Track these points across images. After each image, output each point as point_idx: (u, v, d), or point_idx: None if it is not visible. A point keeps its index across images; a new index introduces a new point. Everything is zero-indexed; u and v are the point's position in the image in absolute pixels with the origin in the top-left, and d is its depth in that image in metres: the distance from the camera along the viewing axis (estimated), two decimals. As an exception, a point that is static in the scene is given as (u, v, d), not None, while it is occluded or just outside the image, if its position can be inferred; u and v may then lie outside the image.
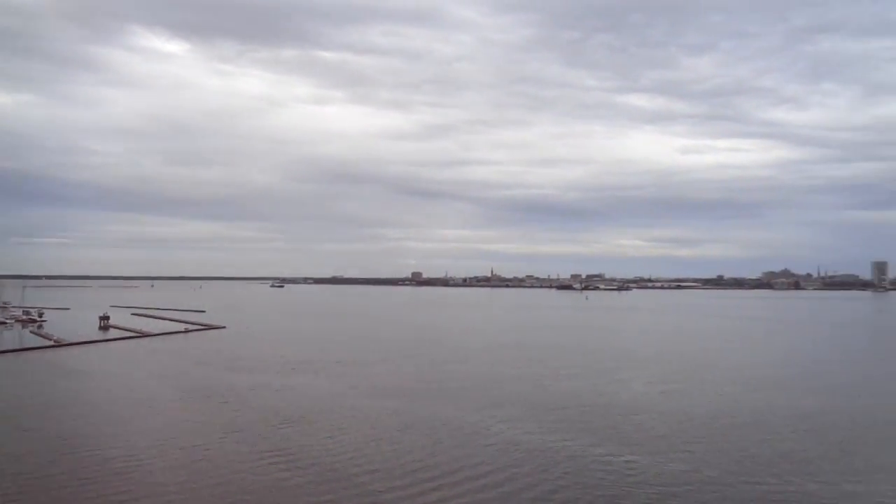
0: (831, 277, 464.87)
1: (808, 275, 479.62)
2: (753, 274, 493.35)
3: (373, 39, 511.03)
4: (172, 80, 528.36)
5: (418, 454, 25.61)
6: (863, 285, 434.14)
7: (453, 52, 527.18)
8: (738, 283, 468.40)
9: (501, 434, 28.71)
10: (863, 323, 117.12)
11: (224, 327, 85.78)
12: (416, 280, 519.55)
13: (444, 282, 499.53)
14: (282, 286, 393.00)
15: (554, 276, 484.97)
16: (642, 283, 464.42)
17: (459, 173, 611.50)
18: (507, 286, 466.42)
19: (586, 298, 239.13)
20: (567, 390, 39.79)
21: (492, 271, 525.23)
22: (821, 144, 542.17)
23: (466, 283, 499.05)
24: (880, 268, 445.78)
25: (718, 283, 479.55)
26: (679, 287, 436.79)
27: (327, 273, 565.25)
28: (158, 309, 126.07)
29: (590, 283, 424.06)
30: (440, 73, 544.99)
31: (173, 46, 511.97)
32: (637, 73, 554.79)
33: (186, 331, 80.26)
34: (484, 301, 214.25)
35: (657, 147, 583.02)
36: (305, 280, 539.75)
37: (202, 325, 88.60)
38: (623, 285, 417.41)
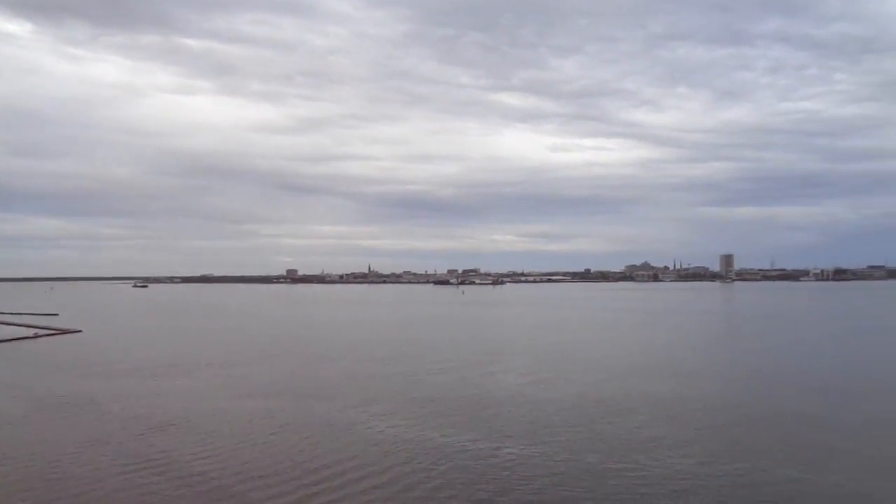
0: (685, 270, 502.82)
1: (666, 267, 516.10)
2: (618, 267, 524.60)
3: (240, 28, 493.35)
4: (15, 63, 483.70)
5: (296, 456, 25.09)
6: (712, 276, 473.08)
7: (327, 44, 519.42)
8: (604, 276, 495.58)
9: (380, 431, 28.75)
10: (711, 312, 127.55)
11: (80, 331, 79.56)
12: (292, 277, 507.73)
13: (321, 279, 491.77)
14: (145, 286, 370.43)
15: (431, 272, 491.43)
16: (516, 278, 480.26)
17: (335, 168, 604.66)
18: (385, 282, 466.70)
19: (462, 293, 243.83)
20: (442, 384, 40.44)
21: (369, 267, 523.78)
22: (676, 145, 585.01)
23: (343, 279, 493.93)
24: (727, 260, 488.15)
25: (586, 276, 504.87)
26: (550, 280, 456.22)
27: (196, 271, 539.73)
28: (1, 313, 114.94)
29: (466, 277, 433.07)
30: (314, 66, 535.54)
31: (14, 27, 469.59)
32: (509, 73, 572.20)
33: (36, 336, 73.69)
34: (361, 297, 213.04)
35: (529, 145, 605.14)
36: (172, 279, 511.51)
37: (55, 329, 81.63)
38: (498, 279, 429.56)
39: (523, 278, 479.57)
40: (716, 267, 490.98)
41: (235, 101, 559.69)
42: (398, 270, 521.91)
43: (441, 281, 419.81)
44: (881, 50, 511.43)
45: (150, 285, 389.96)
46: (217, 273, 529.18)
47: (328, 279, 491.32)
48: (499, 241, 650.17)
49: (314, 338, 72.85)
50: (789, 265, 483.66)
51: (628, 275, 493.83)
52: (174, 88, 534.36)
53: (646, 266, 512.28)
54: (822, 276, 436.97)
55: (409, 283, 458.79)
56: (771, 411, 32.22)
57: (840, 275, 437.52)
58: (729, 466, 23.19)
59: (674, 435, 27.70)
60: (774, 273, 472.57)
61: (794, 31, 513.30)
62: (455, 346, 62.71)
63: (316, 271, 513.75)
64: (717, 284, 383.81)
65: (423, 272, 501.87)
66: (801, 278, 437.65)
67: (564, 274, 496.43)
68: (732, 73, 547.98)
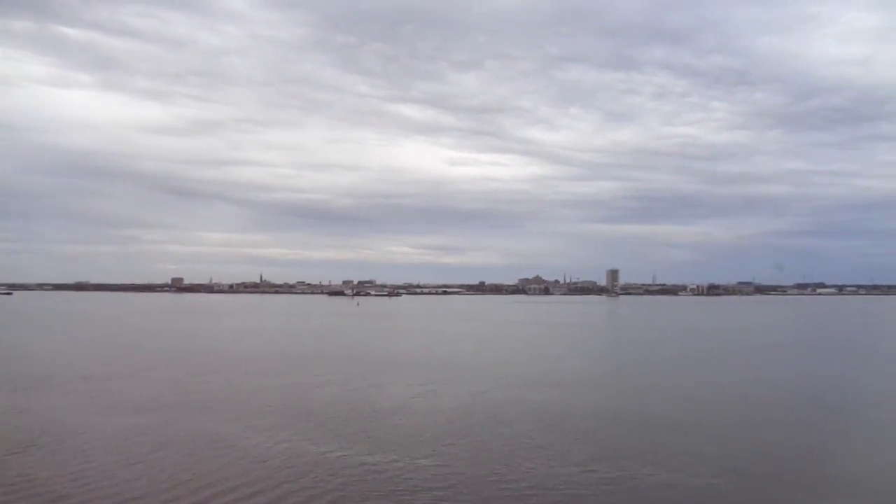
0: (575, 283, 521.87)
1: (557, 281, 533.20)
2: (511, 280, 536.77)
3: (126, 20, 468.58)
4: None
5: (178, 475, 24.16)
6: (599, 290, 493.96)
7: (221, 43, 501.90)
8: (498, 289, 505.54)
9: (267, 446, 28.21)
10: (596, 325, 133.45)
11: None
12: (177, 286, 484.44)
13: (209, 288, 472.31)
14: (10, 293, 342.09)
15: (326, 283, 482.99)
16: (412, 289, 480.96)
17: (226, 173, 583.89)
18: (278, 292, 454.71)
19: (357, 304, 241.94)
20: (331, 397, 40.19)
21: (261, 277, 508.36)
22: (568, 163, 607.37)
23: (233, 289, 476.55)
24: (613, 275, 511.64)
25: (480, 288, 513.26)
26: (445, 293, 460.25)
27: (70, 278, 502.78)
28: None
29: (361, 289, 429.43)
30: (206, 65, 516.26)
31: None
32: (409, 84, 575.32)
33: None
34: (251, 308, 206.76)
35: (427, 157, 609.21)
36: (42, 286, 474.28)
37: None
38: (393, 291, 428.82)
39: (419, 290, 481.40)
40: (603, 281, 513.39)
41: (118, 97, 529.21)
42: (292, 280, 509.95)
43: (336, 292, 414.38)
44: (753, 82, 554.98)
45: (16, 293, 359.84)
46: (94, 280, 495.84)
47: (217, 288, 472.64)
48: (395, 253, 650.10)
49: (199, 349, 70.18)
50: (669, 280, 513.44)
51: (521, 288, 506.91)
52: (50, 80, 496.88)
53: (538, 279, 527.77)
54: (698, 291, 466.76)
55: (303, 293, 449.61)
56: (644, 418, 34.29)
57: (713, 290, 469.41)
58: (605, 472, 24.55)
59: (555, 442, 28.95)
60: (656, 287, 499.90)
61: (678, 60, 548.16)
62: (347, 357, 62.31)
63: (204, 280, 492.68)
64: (603, 298, 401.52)
65: (318, 283, 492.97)
66: (680, 293, 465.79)
67: (459, 286, 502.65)
68: (621, 96, 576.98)
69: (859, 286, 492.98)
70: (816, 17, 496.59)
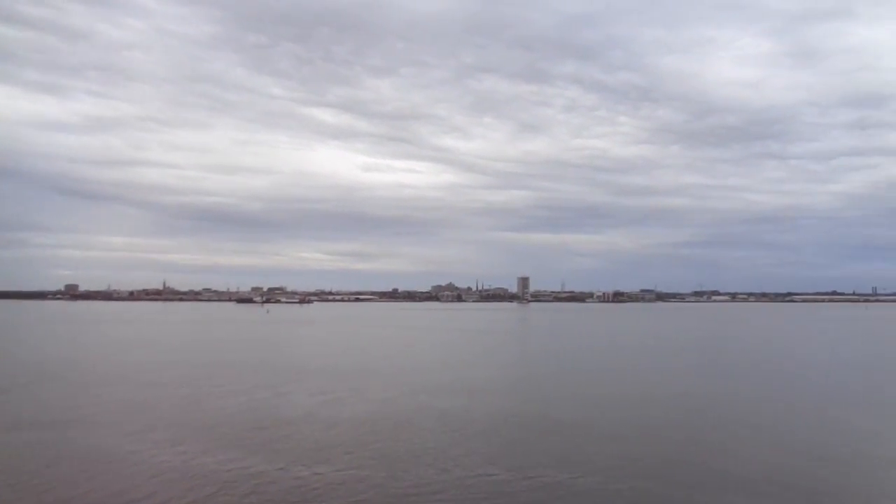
0: (487, 290, 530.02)
1: (469, 288, 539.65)
2: (424, 287, 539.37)
3: (17, 7, 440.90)
4: None
5: (68, 491, 22.52)
6: (511, 297, 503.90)
7: (123, 37, 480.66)
8: (411, 296, 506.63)
9: (164, 460, 26.70)
10: (507, 331, 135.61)
11: None
12: (72, 293, 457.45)
13: (107, 295, 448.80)
14: None
15: (234, 289, 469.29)
16: (324, 296, 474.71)
17: (128, 174, 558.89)
18: (182, 300, 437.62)
19: (267, 312, 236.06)
20: (233, 408, 38.66)
21: (164, 283, 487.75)
22: (481, 172, 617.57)
23: (134, 296, 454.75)
24: (524, 282, 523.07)
25: (393, 295, 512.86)
26: (358, 300, 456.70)
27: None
28: None
29: (271, 296, 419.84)
30: (106, 60, 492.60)
31: None
32: (323, 88, 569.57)
33: None
34: (152, 316, 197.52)
35: (341, 162, 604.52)
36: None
37: None
38: (305, 298, 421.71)
39: (331, 297, 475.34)
40: (514, 288, 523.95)
41: (7, 89, 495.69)
42: (197, 287, 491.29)
43: (244, 299, 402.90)
44: (657, 99, 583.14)
45: None
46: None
47: (116, 296, 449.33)
48: (307, 259, 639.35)
49: (91, 360, 66.23)
50: (577, 287, 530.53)
51: (434, 295, 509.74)
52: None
53: (450, 286, 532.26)
54: (604, 298, 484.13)
55: (210, 300, 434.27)
56: (549, 422, 34.76)
57: (618, 297, 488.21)
58: (509, 475, 24.63)
59: (460, 448, 28.85)
60: (565, 295, 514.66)
61: (587, 75, 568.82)
62: (252, 367, 60.36)
63: (101, 287, 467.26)
64: (514, 305, 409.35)
65: (226, 289, 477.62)
66: (587, 300, 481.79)
67: (372, 293, 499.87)
68: (533, 107, 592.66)
69: (750, 294, 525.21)
70: (714, 41, 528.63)
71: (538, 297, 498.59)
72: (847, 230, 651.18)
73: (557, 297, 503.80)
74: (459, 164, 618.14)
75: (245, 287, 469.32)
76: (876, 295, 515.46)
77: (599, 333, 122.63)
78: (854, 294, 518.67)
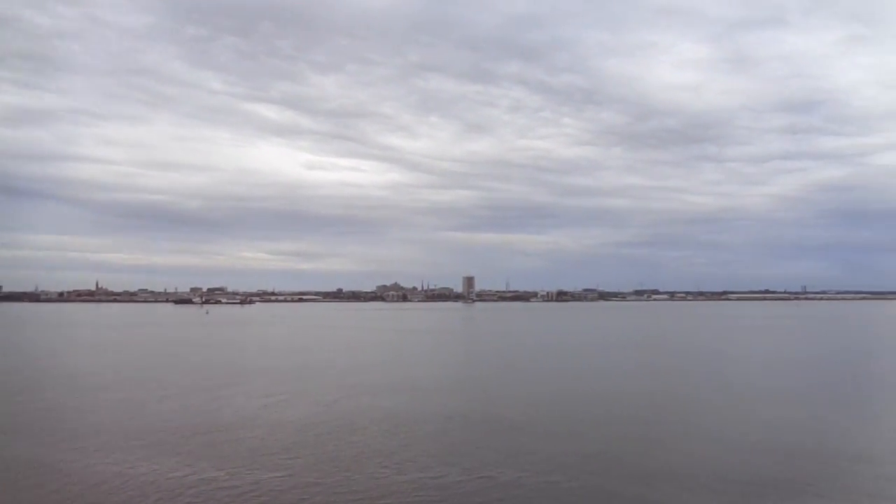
0: (432, 290, 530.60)
1: (414, 288, 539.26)
2: (369, 287, 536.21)
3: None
4: None
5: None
6: (456, 297, 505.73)
7: (53, 25, 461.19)
8: (356, 296, 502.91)
9: (98, 469, 25.54)
10: (452, 331, 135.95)
11: None
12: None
13: (35, 296, 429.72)
14: None
15: (172, 290, 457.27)
16: (266, 297, 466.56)
17: (58, 170, 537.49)
18: (116, 300, 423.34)
19: (207, 313, 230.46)
20: (171, 412, 37.43)
21: (97, 284, 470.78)
22: (427, 171, 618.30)
23: (64, 297, 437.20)
24: (469, 282, 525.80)
25: (338, 295, 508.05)
26: (301, 300, 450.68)
27: None
28: None
29: (211, 296, 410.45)
30: (34, 48, 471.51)
31: None
32: (266, 83, 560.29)
33: None
34: (84, 318, 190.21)
35: (284, 160, 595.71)
36: None
37: None
38: (246, 299, 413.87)
39: (274, 297, 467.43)
40: (459, 288, 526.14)
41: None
42: (133, 288, 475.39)
43: (183, 300, 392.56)
44: (600, 102, 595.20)
45: None
46: None
47: (44, 297, 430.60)
48: (249, 259, 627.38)
49: (18, 366, 63.22)
50: (521, 287, 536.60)
51: (379, 295, 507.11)
52: None
53: (396, 286, 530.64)
54: (548, 298, 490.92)
55: (146, 301, 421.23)
56: (493, 421, 34.83)
57: (562, 296, 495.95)
58: (455, 475, 24.51)
59: (405, 448, 28.62)
60: (509, 294, 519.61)
61: (532, 77, 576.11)
62: (189, 369, 58.72)
63: (27, 288, 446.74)
64: (459, 304, 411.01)
65: (163, 290, 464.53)
66: (531, 299, 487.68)
67: (316, 293, 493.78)
68: (479, 107, 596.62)
69: (688, 292, 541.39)
70: (656, 45, 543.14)
71: (483, 297, 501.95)
72: (779, 231, 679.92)
73: (502, 297, 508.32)
74: (405, 163, 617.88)
75: (184, 288, 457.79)
76: (805, 293, 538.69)
77: (543, 333, 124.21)
78: (785, 292, 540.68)
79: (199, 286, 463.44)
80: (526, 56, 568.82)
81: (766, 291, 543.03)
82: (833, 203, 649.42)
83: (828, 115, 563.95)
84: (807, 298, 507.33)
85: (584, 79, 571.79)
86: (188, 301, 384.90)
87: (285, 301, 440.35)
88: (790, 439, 30.31)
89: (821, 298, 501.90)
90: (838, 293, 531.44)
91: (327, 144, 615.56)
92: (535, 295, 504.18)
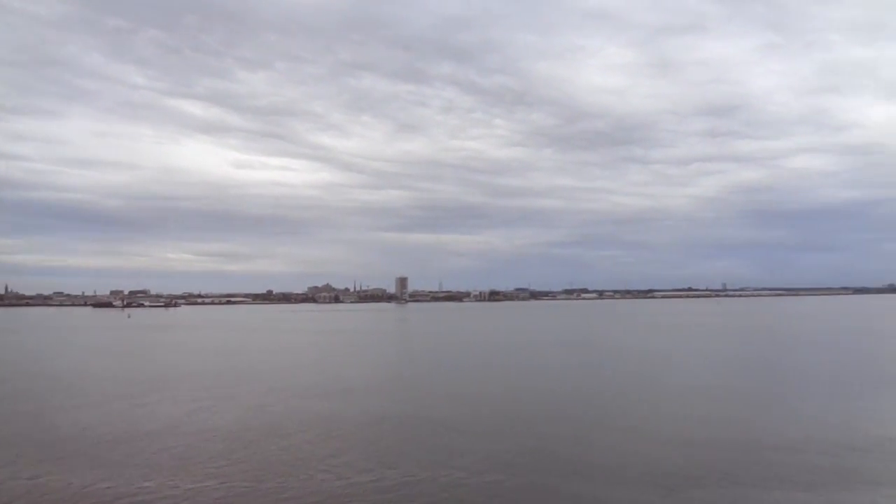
0: (365, 291, 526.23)
1: (347, 289, 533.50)
2: (300, 288, 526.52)
3: None
4: None
5: None
6: (389, 298, 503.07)
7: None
8: (287, 298, 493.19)
9: (8, 487, 23.91)
10: (385, 331, 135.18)
11: None
12: None
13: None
14: None
15: (90, 293, 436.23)
16: (192, 299, 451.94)
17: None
18: (28, 304, 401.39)
19: (128, 316, 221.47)
20: (86, 422, 35.48)
21: (6, 287, 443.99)
22: (359, 171, 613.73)
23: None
24: (402, 282, 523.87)
25: (268, 297, 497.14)
26: (230, 302, 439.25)
27: None
28: None
29: (133, 299, 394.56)
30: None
31: None
32: (191, 79, 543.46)
33: None
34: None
35: (211, 159, 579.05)
36: None
37: None
38: (171, 301, 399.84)
39: (200, 300, 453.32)
40: (392, 288, 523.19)
41: None
42: (47, 291, 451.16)
43: (102, 303, 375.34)
44: (530, 103, 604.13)
45: None
46: None
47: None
48: (173, 260, 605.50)
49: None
50: (454, 287, 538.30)
51: (311, 296, 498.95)
52: None
53: (327, 288, 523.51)
54: (481, 297, 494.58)
55: (62, 305, 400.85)
56: (428, 422, 34.59)
57: (494, 296, 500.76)
58: (390, 477, 24.20)
59: (338, 451, 28.07)
60: (442, 294, 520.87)
61: (464, 77, 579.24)
62: (109, 376, 56.13)
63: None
64: (392, 305, 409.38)
65: (80, 293, 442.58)
66: (464, 299, 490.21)
67: (245, 295, 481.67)
68: (412, 107, 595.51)
69: (615, 291, 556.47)
70: (584, 49, 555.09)
71: (416, 298, 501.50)
72: (701, 231, 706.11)
73: (435, 297, 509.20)
74: (336, 162, 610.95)
75: (103, 291, 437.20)
76: (725, 290, 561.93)
77: (476, 332, 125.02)
78: (707, 290, 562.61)
79: (120, 289, 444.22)
80: (458, 57, 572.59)
81: (689, 289, 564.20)
82: (750, 204, 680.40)
83: (745, 119, 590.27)
84: (727, 295, 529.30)
85: (515, 80, 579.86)
86: (108, 304, 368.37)
87: (213, 304, 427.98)
88: (713, 432, 31.37)
89: (740, 295, 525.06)
90: (756, 290, 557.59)
91: (256, 143, 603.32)
92: (467, 295, 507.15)
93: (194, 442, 30.35)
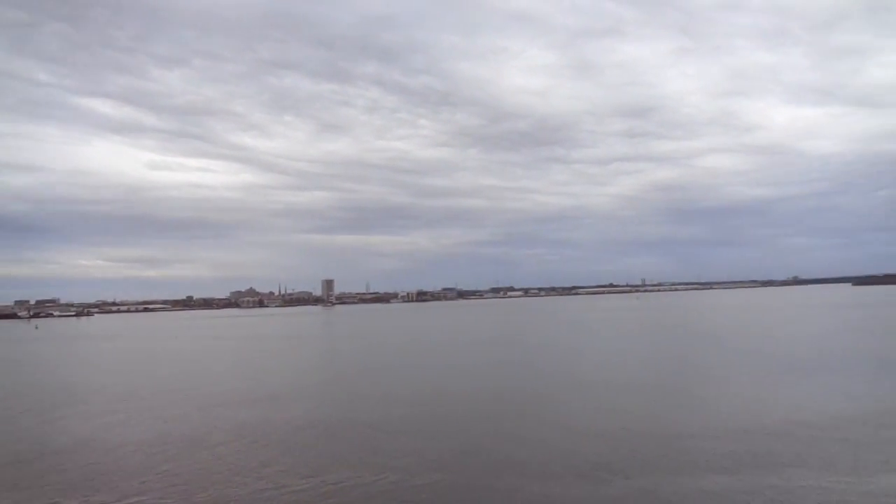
0: (290, 295, 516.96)
1: (272, 293, 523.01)
2: (222, 294, 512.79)
3: None
4: None
5: None
6: (315, 301, 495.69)
7: None
8: (208, 304, 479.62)
9: None
10: (311, 335, 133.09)
11: None
12: None
13: None
14: None
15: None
16: (106, 308, 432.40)
17: None
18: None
19: (36, 328, 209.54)
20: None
21: None
22: (282, 172, 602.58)
23: None
24: (329, 285, 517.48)
25: (188, 303, 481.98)
26: (147, 310, 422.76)
27: None
28: None
29: (41, 309, 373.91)
30: None
31: None
32: (102, 77, 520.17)
33: None
34: None
35: (124, 160, 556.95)
36: None
37: None
38: (83, 310, 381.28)
39: (116, 308, 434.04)
40: (318, 291, 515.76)
41: None
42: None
43: (6, 314, 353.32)
44: (455, 103, 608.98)
45: None
46: None
47: None
48: (86, 267, 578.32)
49: None
50: (382, 288, 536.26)
51: (234, 301, 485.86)
52: None
53: (251, 292, 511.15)
54: (408, 298, 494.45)
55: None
56: (360, 425, 34.08)
57: (422, 296, 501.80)
58: (309, 482, 23.77)
59: (264, 460, 27.38)
60: (370, 296, 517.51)
61: (389, 77, 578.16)
62: (13, 390, 52.93)
63: None
64: (319, 308, 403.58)
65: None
66: (392, 300, 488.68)
67: (164, 302, 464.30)
68: (335, 107, 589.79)
69: (540, 288, 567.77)
70: (507, 50, 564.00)
71: (343, 300, 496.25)
72: (621, 228, 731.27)
73: (363, 299, 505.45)
74: (258, 163, 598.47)
75: (7, 300, 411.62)
76: (644, 286, 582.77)
77: (404, 333, 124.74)
78: (627, 285, 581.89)
79: (25, 298, 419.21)
80: (382, 56, 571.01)
81: (611, 285, 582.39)
82: (666, 202, 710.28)
83: (661, 120, 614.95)
84: (646, 290, 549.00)
85: (440, 81, 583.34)
86: (13, 315, 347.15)
87: (129, 311, 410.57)
88: (633, 423, 32.34)
89: (658, 290, 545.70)
90: (672, 285, 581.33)
91: (173, 143, 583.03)
92: (395, 296, 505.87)
93: (106, 458, 28.92)
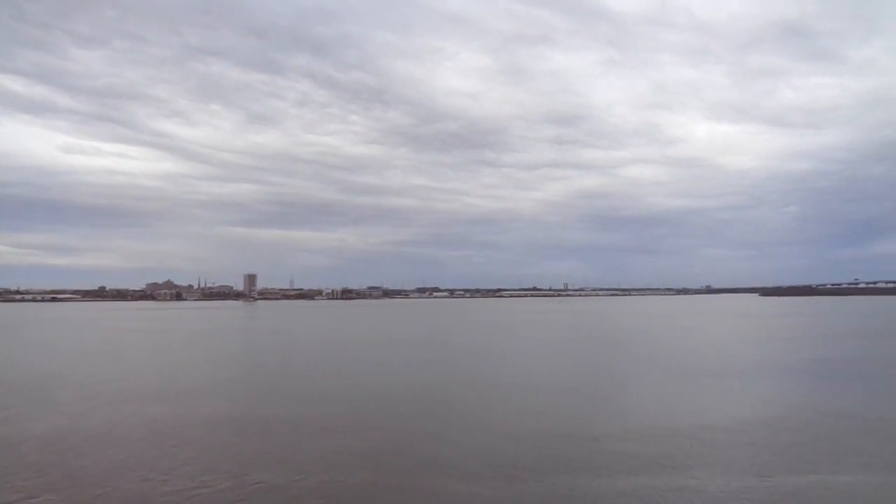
0: (210, 288, 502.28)
1: (190, 286, 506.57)
2: (138, 285, 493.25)
3: None
4: None
5: None
6: (237, 295, 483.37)
7: None
8: (122, 295, 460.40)
9: None
10: (230, 330, 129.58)
11: None
12: None
13: None
14: None
15: None
16: (8, 296, 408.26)
17: None
18: None
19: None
20: None
21: None
22: (206, 162, 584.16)
23: None
24: (251, 279, 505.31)
25: (100, 294, 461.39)
26: (54, 300, 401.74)
27: None
28: None
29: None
30: None
31: None
32: (13, 52, 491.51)
33: None
34: None
35: (35, 141, 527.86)
36: None
37: None
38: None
39: (19, 297, 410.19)
40: (240, 286, 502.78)
41: None
42: None
43: None
44: (387, 101, 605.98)
45: None
46: None
47: None
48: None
49: None
50: (306, 285, 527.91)
51: (150, 293, 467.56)
52: None
53: (169, 284, 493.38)
54: (333, 295, 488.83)
55: None
56: (266, 421, 33.26)
57: (347, 294, 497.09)
58: (222, 481, 22.94)
59: (173, 458, 26.21)
60: (293, 292, 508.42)
61: (320, 71, 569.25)
62: None
63: None
64: (240, 303, 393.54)
65: None
66: (316, 297, 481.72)
67: (74, 292, 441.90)
68: (265, 98, 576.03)
69: (466, 290, 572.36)
70: (441, 51, 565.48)
71: (266, 295, 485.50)
72: (546, 233, 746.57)
73: (286, 295, 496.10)
74: (181, 151, 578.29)
75: None
76: (567, 290, 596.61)
77: (326, 330, 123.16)
78: (550, 289, 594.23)
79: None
80: (314, 50, 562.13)
81: (534, 288, 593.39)
82: (590, 209, 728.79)
83: (588, 129, 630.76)
84: (568, 295, 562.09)
85: (373, 78, 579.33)
86: None
87: (34, 301, 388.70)
88: (549, 425, 32.91)
89: (579, 295, 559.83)
90: (593, 290, 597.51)
91: (90, 126, 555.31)
92: (320, 293, 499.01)
93: (12, 454, 27.08)
